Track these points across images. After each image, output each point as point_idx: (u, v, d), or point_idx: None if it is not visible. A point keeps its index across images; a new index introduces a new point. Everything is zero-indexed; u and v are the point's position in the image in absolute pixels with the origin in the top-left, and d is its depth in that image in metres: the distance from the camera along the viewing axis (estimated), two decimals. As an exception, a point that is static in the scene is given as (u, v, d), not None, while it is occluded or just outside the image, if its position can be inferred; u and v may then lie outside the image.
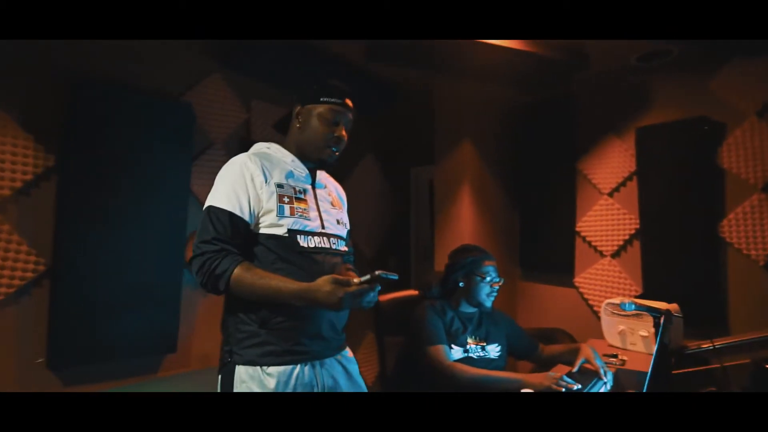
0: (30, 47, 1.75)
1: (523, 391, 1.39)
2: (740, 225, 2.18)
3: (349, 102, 1.24)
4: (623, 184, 2.57)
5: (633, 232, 2.50)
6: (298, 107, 1.25)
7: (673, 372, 1.54)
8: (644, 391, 1.10)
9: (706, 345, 1.67)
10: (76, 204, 1.83)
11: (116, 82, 1.98)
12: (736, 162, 2.20)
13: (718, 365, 1.42)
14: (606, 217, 2.61)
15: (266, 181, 1.16)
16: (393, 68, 2.54)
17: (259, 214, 1.15)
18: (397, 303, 1.90)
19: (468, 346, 1.66)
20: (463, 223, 2.70)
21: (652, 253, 2.41)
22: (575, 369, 1.57)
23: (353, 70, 2.53)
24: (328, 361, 1.20)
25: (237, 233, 1.12)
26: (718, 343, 1.56)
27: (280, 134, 1.21)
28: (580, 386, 1.36)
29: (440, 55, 2.28)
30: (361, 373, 1.31)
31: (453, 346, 1.64)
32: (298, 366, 1.13)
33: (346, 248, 1.31)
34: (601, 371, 1.53)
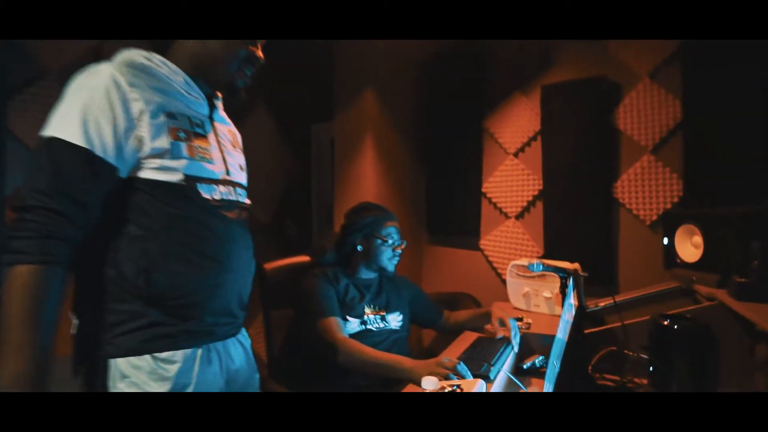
0: None
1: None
2: (631, 186, 2.23)
3: None
4: (528, 144, 2.51)
5: (536, 193, 2.47)
6: None
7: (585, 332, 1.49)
8: (560, 355, 0.97)
9: (603, 303, 1.66)
10: None
11: None
12: (630, 123, 2.23)
13: (619, 323, 1.38)
14: (511, 177, 2.55)
15: (150, 109, 0.82)
16: None
17: (140, 157, 0.82)
18: (285, 271, 1.62)
19: (366, 317, 1.45)
20: (366, 182, 2.46)
21: (552, 213, 2.40)
22: (498, 335, 1.44)
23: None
24: (230, 340, 0.97)
25: (92, 185, 0.78)
26: (620, 299, 1.54)
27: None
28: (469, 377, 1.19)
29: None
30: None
31: (349, 317, 1.42)
32: (200, 349, 0.88)
33: (248, 201, 1.02)
34: (512, 333, 1.42)
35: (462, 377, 1.11)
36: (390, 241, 1.50)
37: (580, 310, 1.73)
